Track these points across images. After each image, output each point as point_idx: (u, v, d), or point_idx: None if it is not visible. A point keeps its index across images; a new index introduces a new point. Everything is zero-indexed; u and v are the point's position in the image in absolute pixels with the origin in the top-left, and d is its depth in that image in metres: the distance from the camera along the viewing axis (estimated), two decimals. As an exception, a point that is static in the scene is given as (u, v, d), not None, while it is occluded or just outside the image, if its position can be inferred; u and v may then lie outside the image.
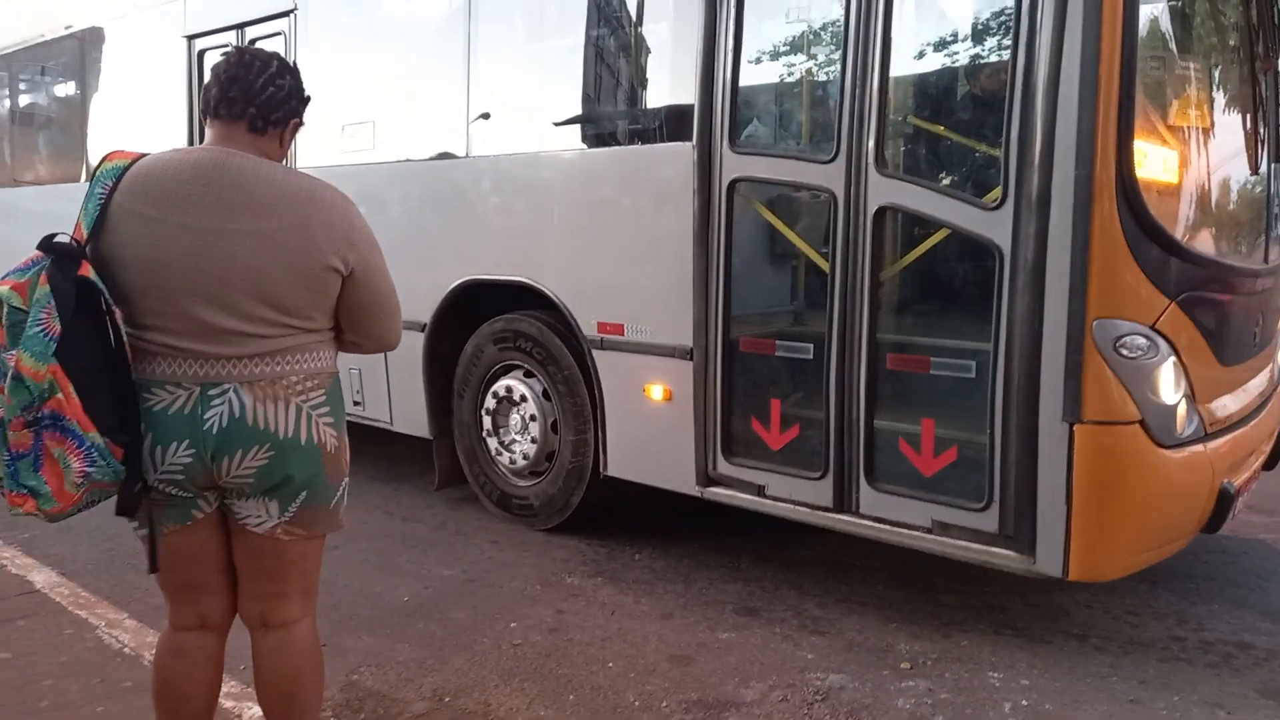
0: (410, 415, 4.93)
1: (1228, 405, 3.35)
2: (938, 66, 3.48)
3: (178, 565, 2.11)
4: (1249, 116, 3.59)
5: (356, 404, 5.18)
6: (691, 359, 3.73)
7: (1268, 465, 3.85)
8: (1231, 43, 3.61)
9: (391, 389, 5.00)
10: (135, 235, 1.94)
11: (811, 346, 3.46)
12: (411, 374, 4.80)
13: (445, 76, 4.65)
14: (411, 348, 4.68)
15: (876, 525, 3.37)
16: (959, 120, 3.43)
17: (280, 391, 2.00)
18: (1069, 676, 3.13)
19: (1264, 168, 3.64)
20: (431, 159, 4.77)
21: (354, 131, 5.03)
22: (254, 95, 2.03)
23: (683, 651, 3.30)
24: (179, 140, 5.90)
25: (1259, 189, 3.67)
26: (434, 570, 4.07)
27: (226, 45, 5.66)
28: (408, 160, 4.86)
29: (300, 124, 2.16)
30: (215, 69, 2.07)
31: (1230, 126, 3.53)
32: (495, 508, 4.65)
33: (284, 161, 2.16)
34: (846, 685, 3.06)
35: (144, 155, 2.03)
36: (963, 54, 3.40)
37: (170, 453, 1.97)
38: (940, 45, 3.45)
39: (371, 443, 5.05)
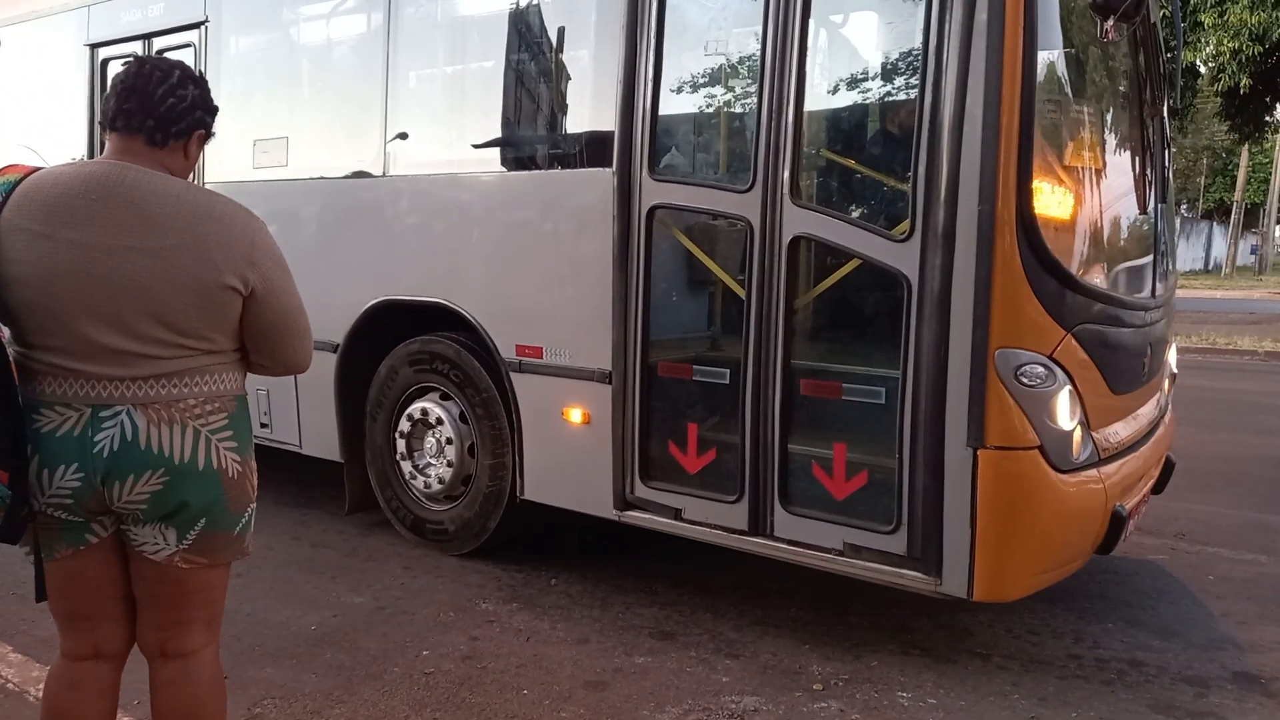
0: (321, 438, 4.84)
1: (1119, 432, 3.51)
2: (850, 102, 3.60)
3: (71, 591, 2.03)
4: (1138, 159, 3.80)
5: (264, 426, 5.05)
6: (610, 382, 3.75)
7: (1156, 489, 4.05)
8: (1122, 88, 3.81)
9: (301, 411, 4.90)
10: (22, 252, 1.87)
11: (728, 371, 3.51)
12: (323, 396, 4.72)
13: (363, 94, 4.62)
14: (323, 369, 4.63)
15: (790, 548, 3.42)
16: (870, 154, 3.55)
17: (177, 415, 1.94)
18: (973, 695, 3.21)
19: (1151, 207, 3.85)
20: (347, 177, 4.72)
21: (267, 147, 4.94)
22: (152, 107, 1.96)
23: (598, 677, 3.30)
24: (79, 151, 5.69)
25: (1147, 227, 3.87)
26: (343, 598, 3.98)
27: (131, 55, 5.50)
28: (322, 178, 4.80)
29: (207, 136, 2.08)
30: (114, 79, 2.01)
31: (1121, 168, 3.72)
32: (409, 533, 4.57)
33: (190, 176, 2.09)
34: (760, 708, 3.10)
35: (37, 170, 1.97)
36: (874, 91, 3.53)
37: (58, 476, 1.90)
38: (853, 82, 3.58)
39: (280, 466, 4.96)
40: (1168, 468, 4.13)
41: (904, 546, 3.18)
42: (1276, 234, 46.10)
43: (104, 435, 1.89)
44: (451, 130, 4.44)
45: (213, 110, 2.08)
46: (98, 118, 5.55)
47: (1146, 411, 3.85)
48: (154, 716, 2.14)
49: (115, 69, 5.52)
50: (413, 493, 4.54)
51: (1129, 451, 3.55)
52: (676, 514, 3.67)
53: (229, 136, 5.10)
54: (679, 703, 3.12)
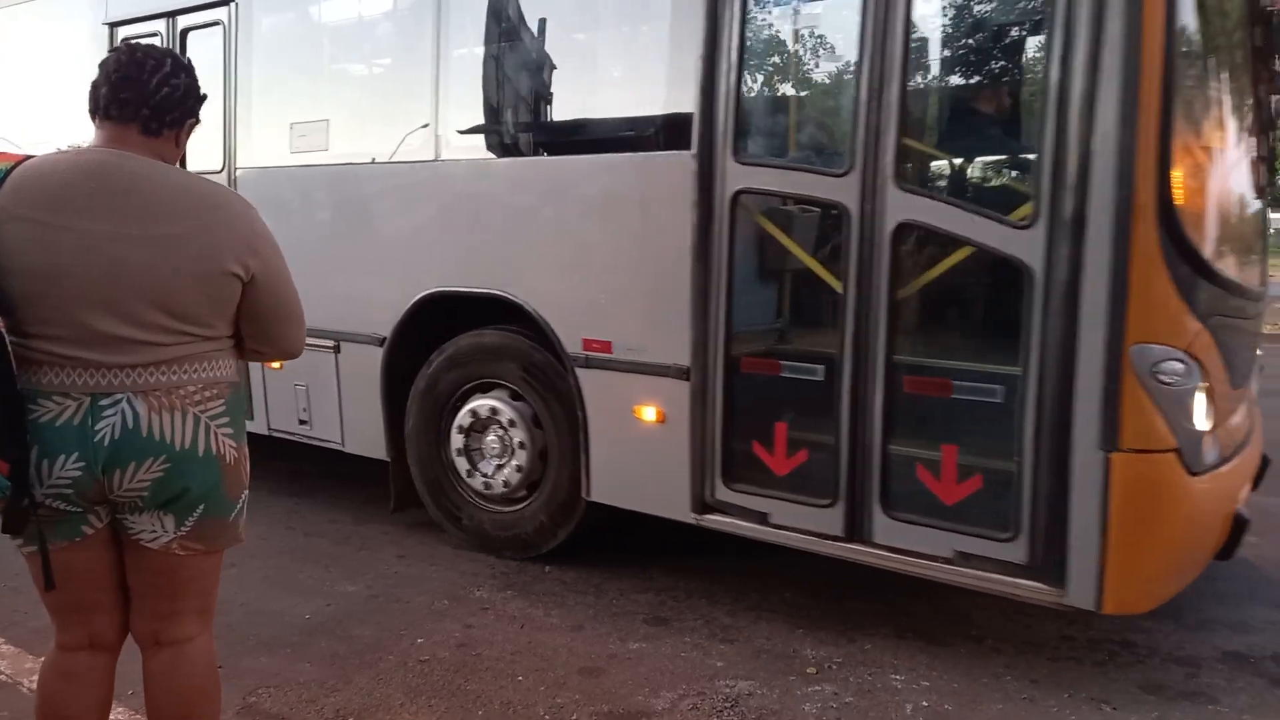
0: (365, 435, 4.59)
1: (1233, 429, 3.33)
2: (963, 77, 3.38)
3: (67, 583, 2.01)
4: (1256, 140, 3.59)
5: (303, 422, 4.83)
6: (689, 379, 3.52)
7: (1253, 486, 3.86)
8: (1241, 64, 3.60)
9: (344, 408, 4.65)
10: (21, 241, 1.86)
11: (822, 368, 3.30)
12: (368, 391, 4.47)
13: (413, 74, 4.32)
14: (368, 363, 4.44)
15: (891, 555, 3.22)
16: (984, 135, 3.34)
17: (177, 401, 1.94)
18: (966, 678, 3.20)
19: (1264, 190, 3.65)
20: (395, 162, 4.41)
21: (305, 130, 4.64)
22: (148, 96, 1.95)
23: (593, 663, 3.28)
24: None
25: (1257, 212, 3.68)
26: (337, 587, 3.95)
27: (155, 34, 5.21)
28: (367, 163, 4.49)
29: (197, 123, 2.09)
30: (104, 66, 1.98)
31: (1242, 150, 3.52)
32: (463, 535, 4.34)
33: (178, 162, 2.09)
34: (755, 692, 3.10)
35: (29, 158, 1.96)
36: (990, 64, 3.30)
37: (58, 466, 1.89)
38: (965, 53, 3.34)
39: (272, 455, 4.83)
40: (1264, 463, 3.95)
41: (1024, 555, 2.99)
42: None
43: (104, 424, 1.89)
44: (510, 111, 4.17)
45: (202, 99, 2.08)
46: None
47: (1248, 406, 3.67)
48: (148, 705, 2.14)
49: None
50: (469, 493, 4.31)
51: (1241, 449, 3.37)
52: (762, 518, 3.47)
53: (262, 120, 4.85)
54: (674, 687, 3.12)
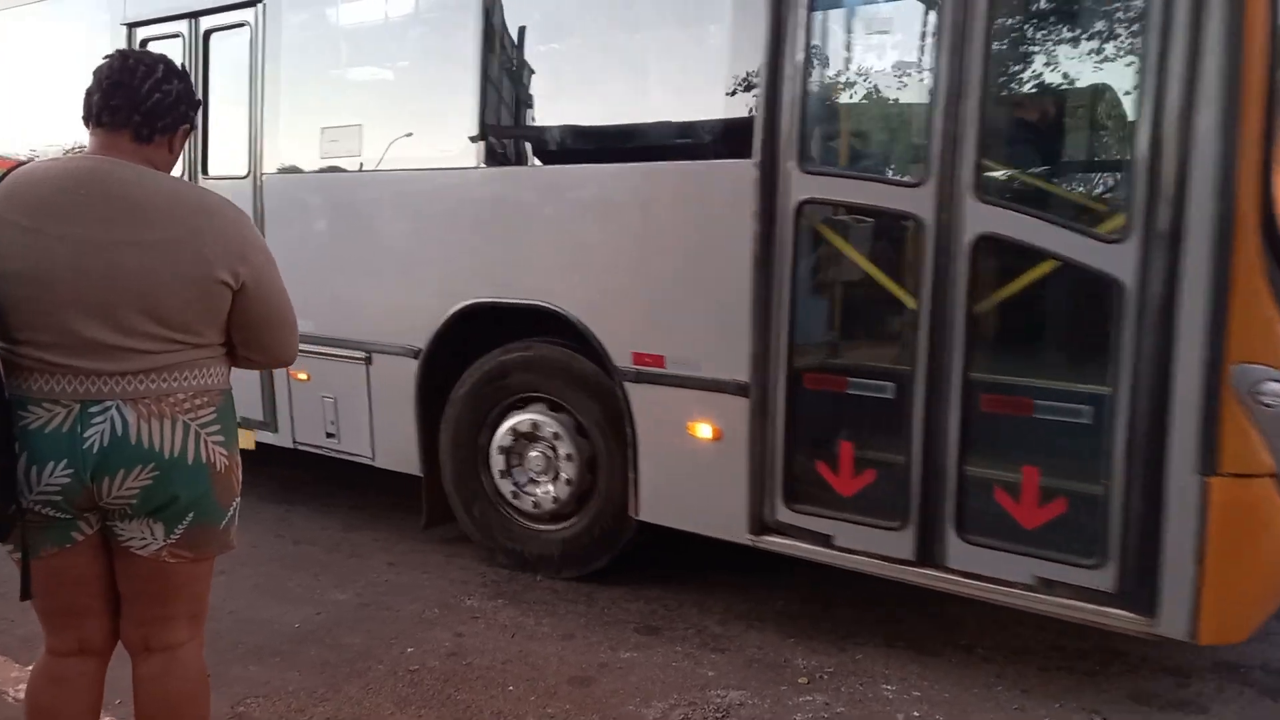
0: (397, 450, 4.43)
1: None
2: (1048, 82, 3.24)
3: (57, 589, 2.03)
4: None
5: (330, 436, 4.67)
6: (747, 395, 3.38)
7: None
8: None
9: (375, 421, 4.50)
10: (11, 247, 1.87)
11: (892, 384, 3.17)
12: (401, 405, 4.31)
13: (454, 77, 4.13)
14: (402, 376, 4.28)
15: (966, 581, 3.09)
16: (1071, 144, 3.20)
17: (166, 409, 1.94)
18: (957, 687, 3.20)
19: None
20: (433, 169, 4.26)
21: (337, 135, 4.50)
22: (139, 102, 1.95)
23: (584, 672, 3.28)
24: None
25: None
26: (327, 595, 3.93)
27: (176, 35, 5.06)
28: (403, 169, 4.33)
29: (191, 130, 2.09)
30: (97, 73, 1.99)
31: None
32: (503, 557, 4.19)
33: (172, 170, 2.09)
34: (746, 702, 3.10)
35: (21, 164, 1.98)
36: (1078, 68, 3.16)
37: (46, 473, 1.89)
38: (1051, 58, 3.20)
39: (262, 461, 4.77)
40: None
41: (1111, 583, 2.85)
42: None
43: (93, 431, 1.89)
44: (557, 117, 4.05)
45: (196, 105, 2.08)
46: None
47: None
48: (136, 711, 2.13)
49: (156, 50, 5.13)
50: (508, 510, 4.16)
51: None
52: (826, 541, 3.32)
53: (291, 124, 4.71)
54: (665, 697, 3.11)
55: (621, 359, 3.70)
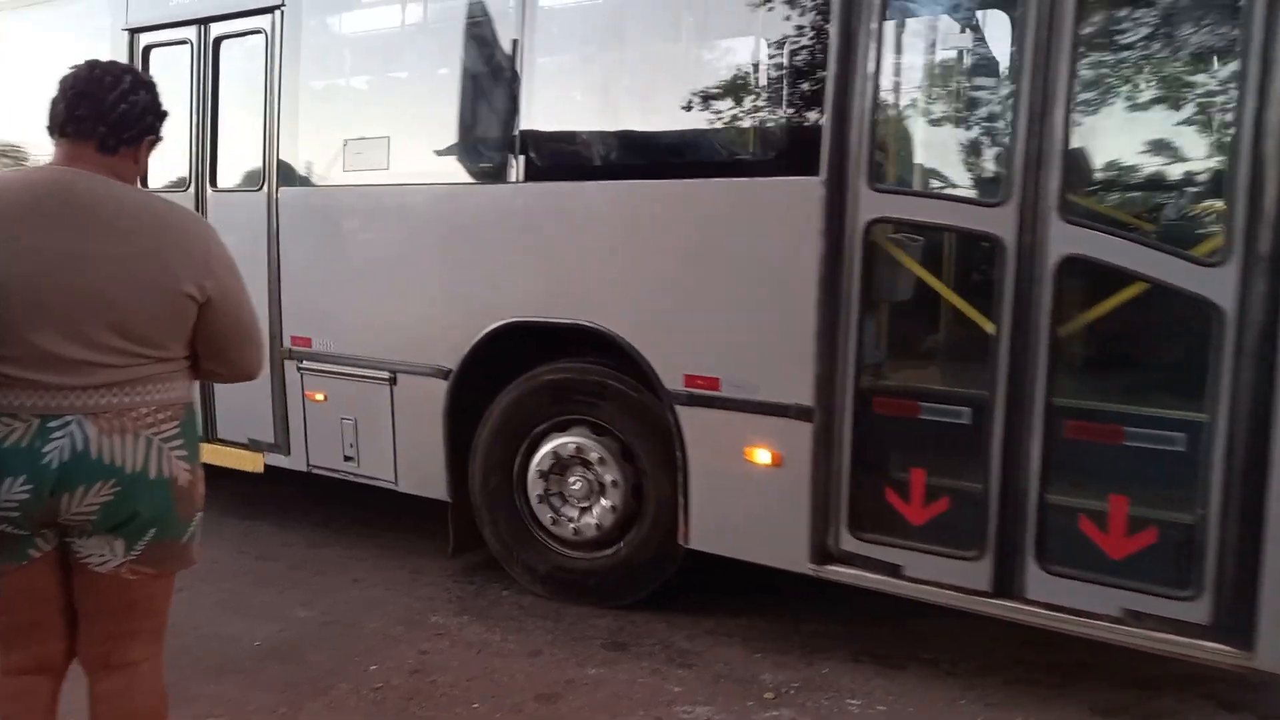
0: (423, 474, 4.23)
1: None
2: (1138, 99, 3.17)
3: (13, 607, 2.00)
4: None
5: (349, 459, 4.45)
6: (811, 420, 3.26)
7: None
8: None
9: (398, 444, 4.29)
10: None
11: (968, 409, 3.07)
12: (428, 428, 4.12)
13: (490, 88, 3.99)
14: (430, 398, 4.10)
15: (1047, 613, 2.97)
16: (1163, 163, 3.12)
17: (128, 424, 1.91)
18: (922, 701, 3.20)
19: None
20: (468, 184, 4.10)
21: (361, 148, 4.32)
22: (105, 113, 1.93)
23: (550, 689, 3.25)
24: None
25: None
26: (291, 611, 3.87)
27: (184, 41, 4.85)
28: (435, 184, 4.16)
29: (157, 141, 2.05)
30: (63, 83, 1.97)
31: None
32: (535, 583, 4.02)
33: (137, 181, 2.07)
34: (713, 717, 3.10)
35: None
36: (1170, 84, 3.09)
37: (4, 489, 1.85)
38: (1142, 73, 3.13)
39: (223, 475, 4.55)
40: None
41: (1206, 615, 2.75)
42: None
43: (53, 446, 1.86)
44: (603, 130, 3.89)
45: (163, 116, 2.05)
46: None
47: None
48: None
49: (161, 57, 4.92)
50: (546, 537, 4.00)
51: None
52: (895, 571, 3.21)
53: (311, 136, 4.52)
54: (631, 713, 3.10)
55: (672, 381, 3.55)
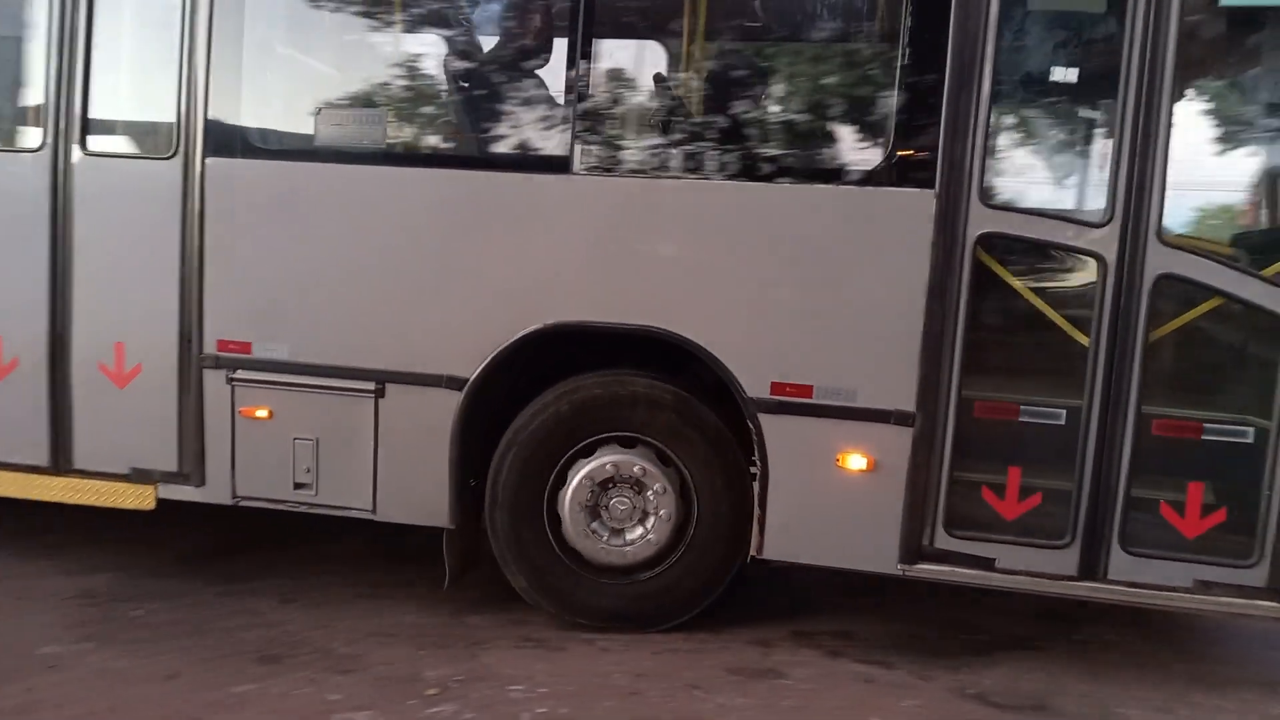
0: (413, 499, 3.80)
1: None
2: (1238, 125, 3.52)
3: None
4: None
5: (302, 486, 3.83)
6: (910, 425, 3.41)
7: None
8: None
9: (381, 466, 3.78)
10: None
11: (1063, 412, 3.37)
12: (428, 445, 3.72)
13: (551, 53, 3.62)
14: (435, 411, 3.71)
15: (1127, 589, 3.38)
16: (1257, 186, 3.49)
17: None
18: (581, 678, 3.39)
19: None
20: (505, 169, 3.72)
21: (343, 119, 3.72)
22: None
23: (189, 714, 3.05)
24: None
25: None
26: None
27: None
28: (459, 169, 3.74)
29: None
30: None
31: None
32: (564, 611, 3.80)
33: None
34: None
35: None
36: (1271, 114, 3.43)
37: None
38: (1246, 99, 3.46)
39: None
40: None
41: (1264, 579, 3.30)
42: None
43: None
44: (688, 122, 3.67)
45: None
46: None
47: None
48: None
49: None
50: (578, 563, 3.79)
51: None
52: (988, 564, 3.45)
53: (261, 93, 3.82)
54: None
55: (757, 390, 3.51)
